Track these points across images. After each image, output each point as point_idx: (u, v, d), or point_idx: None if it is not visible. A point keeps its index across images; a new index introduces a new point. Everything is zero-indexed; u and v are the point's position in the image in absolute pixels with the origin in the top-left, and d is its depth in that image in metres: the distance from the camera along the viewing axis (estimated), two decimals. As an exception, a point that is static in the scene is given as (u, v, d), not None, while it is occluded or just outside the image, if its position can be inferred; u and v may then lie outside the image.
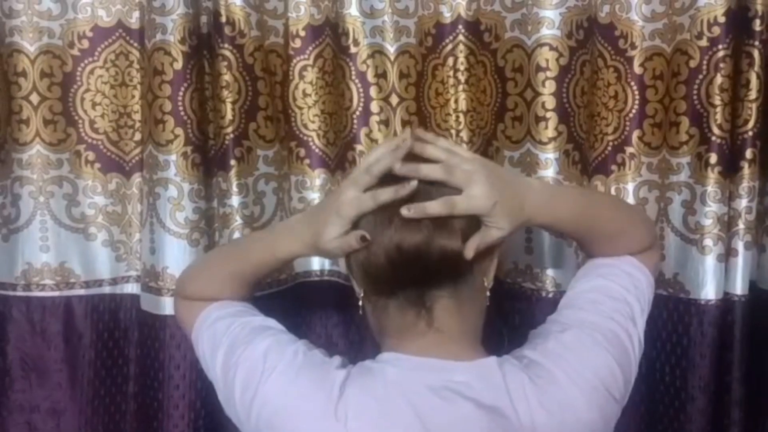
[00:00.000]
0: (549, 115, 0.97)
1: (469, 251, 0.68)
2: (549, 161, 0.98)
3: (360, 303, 0.76)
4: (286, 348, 0.74)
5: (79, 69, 1.07)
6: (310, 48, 1.05)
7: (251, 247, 0.85)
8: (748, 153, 0.94)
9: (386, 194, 0.69)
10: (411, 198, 0.68)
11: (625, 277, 0.79)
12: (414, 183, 0.68)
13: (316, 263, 1.10)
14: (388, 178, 0.70)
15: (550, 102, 0.97)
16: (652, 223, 0.90)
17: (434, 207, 0.67)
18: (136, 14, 1.06)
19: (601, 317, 0.75)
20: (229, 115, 0.99)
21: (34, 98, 1.07)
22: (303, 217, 0.81)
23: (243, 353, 0.75)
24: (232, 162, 1.00)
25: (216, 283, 0.84)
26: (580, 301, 0.79)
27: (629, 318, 0.76)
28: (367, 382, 0.69)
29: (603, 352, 0.72)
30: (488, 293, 0.75)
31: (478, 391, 0.68)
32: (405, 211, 0.67)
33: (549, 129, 0.97)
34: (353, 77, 1.03)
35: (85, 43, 1.07)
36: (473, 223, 0.69)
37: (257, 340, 0.76)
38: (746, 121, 0.93)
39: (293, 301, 1.09)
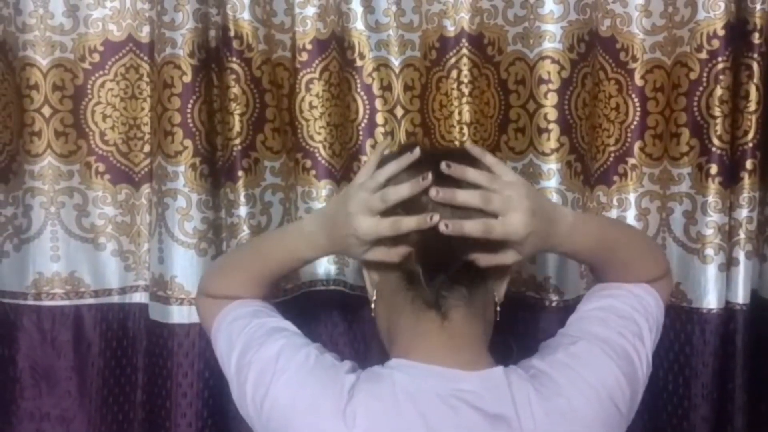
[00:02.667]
0: (551, 126, 0.98)
1: (482, 261, 0.70)
2: (551, 172, 1.00)
3: (372, 306, 0.77)
4: (298, 350, 0.75)
5: (90, 82, 1.09)
6: (317, 61, 1.07)
7: (272, 251, 0.85)
8: (749, 164, 0.95)
9: (408, 223, 0.68)
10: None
11: (633, 298, 0.80)
12: (436, 218, 0.67)
13: (323, 273, 1.12)
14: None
15: (552, 114, 0.98)
16: (664, 254, 0.91)
17: (471, 227, 0.67)
18: (146, 29, 1.08)
19: (610, 332, 0.76)
20: (236, 127, 1.01)
21: (46, 111, 1.09)
22: (318, 224, 0.79)
23: (256, 353, 0.76)
24: (240, 173, 1.01)
25: (237, 282, 0.86)
26: (589, 317, 0.80)
27: (637, 336, 0.77)
28: (376, 387, 0.71)
29: (611, 364, 0.73)
30: (498, 308, 0.76)
31: (484, 400, 0.69)
32: (442, 227, 0.66)
33: (551, 140, 0.99)
34: (359, 90, 1.05)
35: (96, 57, 1.09)
36: None
37: (271, 340, 0.77)
38: (746, 133, 0.95)
39: (299, 310, 1.09)
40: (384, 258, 0.73)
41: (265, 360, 0.75)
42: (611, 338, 0.76)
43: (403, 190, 0.69)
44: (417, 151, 0.72)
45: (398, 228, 0.69)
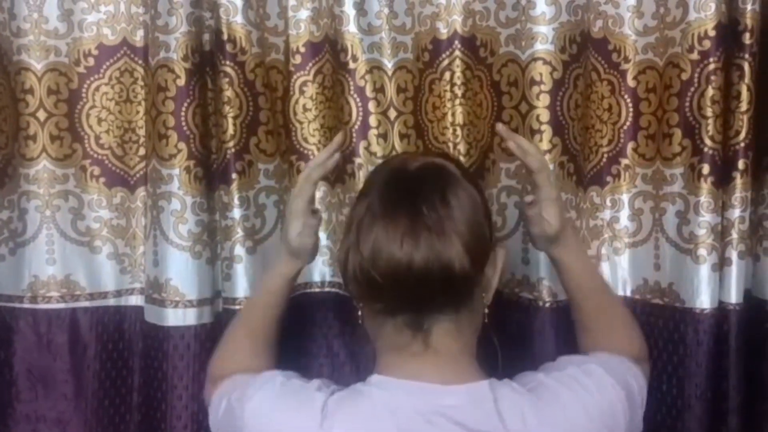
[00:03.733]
0: (543, 127, 0.99)
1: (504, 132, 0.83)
2: (544, 173, 1.00)
3: (360, 313, 0.77)
4: (266, 381, 0.77)
5: (85, 86, 1.10)
6: (310, 64, 1.07)
7: (251, 302, 0.93)
8: (740, 164, 0.95)
9: (316, 171, 0.83)
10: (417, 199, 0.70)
11: (622, 363, 0.79)
12: (337, 155, 0.83)
13: (317, 275, 1.12)
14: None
15: (544, 115, 0.98)
16: (644, 340, 0.90)
17: (523, 141, 0.83)
18: (141, 33, 1.08)
19: (612, 364, 0.77)
20: (230, 130, 1.01)
21: (41, 115, 1.09)
22: (279, 240, 0.89)
23: (232, 396, 0.78)
24: (234, 175, 1.02)
25: (236, 354, 0.88)
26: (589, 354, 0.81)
27: (630, 390, 0.76)
28: (356, 404, 0.70)
29: (616, 386, 0.73)
30: (486, 310, 0.75)
31: (467, 415, 0.68)
32: (500, 126, 0.83)
33: (544, 141, 0.99)
34: (352, 92, 1.06)
35: (91, 61, 1.09)
36: (478, 242, 0.70)
37: (247, 386, 0.78)
38: (738, 133, 0.95)
39: (295, 313, 1.09)
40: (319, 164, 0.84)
41: (236, 397, 0.77)
42: (613, 367, 0.76)
43: (322, 168, 0.84)
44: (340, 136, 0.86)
45: (310, 177, 0.83)
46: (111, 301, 1.13)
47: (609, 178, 1.03)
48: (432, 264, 0.67)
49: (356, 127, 1.06)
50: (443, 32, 1.03)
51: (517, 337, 1.03)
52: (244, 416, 0.73)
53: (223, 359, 0.90)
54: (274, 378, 0.77)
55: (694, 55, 0.94)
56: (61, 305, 1.11)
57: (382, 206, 0.70)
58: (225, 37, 1.00)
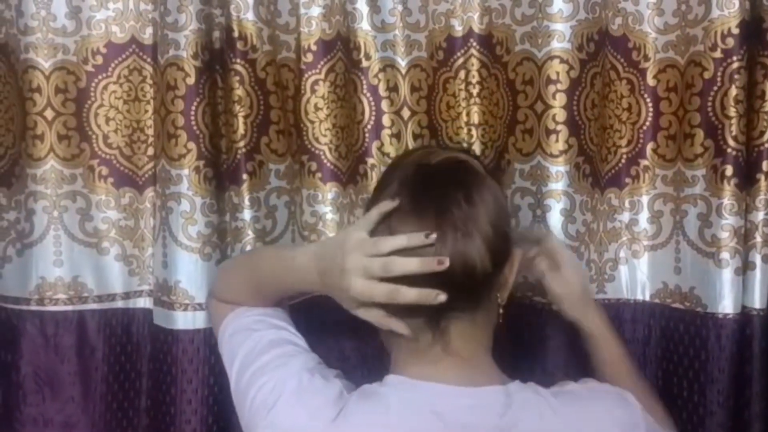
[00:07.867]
0: (559, 128, 0.96)
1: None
2: (560, 174, 0.98)
3: None
4: (288, 378, 0.75)
5: (93, 85, 1.08)
6: (322, 62, 1.05)
7: (266, 276, 0.83)
8: (765, 165, 0.93)
9: (407, 295, 0.66)
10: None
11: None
12: (442, 297, 0.66)
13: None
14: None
15: (560, 115, 0.96)
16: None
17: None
18: (150, 30, 1.07)
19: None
20: (241, 130, 0.99)
21: (49, 114, 1.07)
22: (310, 263, 0.75)
23: (251, 378, 0.76)
24: (244, 176, 1.00)
25: (240, 294, 0.86)
26: None
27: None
28: (371, 406, 0.69)
29: (644, 414, 0.74)
30: (501, 310, 0.74)
31: (479, 418, 0.68)
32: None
33: (560, 142, 0.97)
34: (365, 91, 1.04)
35: (99, 59, 1.08)
36: (500, 242, 0.70)
37: (264, 360, 0.77)
38: (762, 133, 0.92)
39: (305, 314, 1.08)
40: (379, 323, 0.71)
41: (261, 391, 0.75)
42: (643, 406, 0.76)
43: (411, 265, 0.66)
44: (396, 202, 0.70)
45: (394, 299, 0.67)
46: (119, 304, 1.11)
47: (628, 180, 1.01)
48: (455, 263, 0.66)
49: (369, 126, 1.04)
50: (458, 30, 1.01)
51: (529, 342, 1.01)
52: (268, 417, 0.72)
53: (228, 290, 0.88)
54: (298, 374, 0.75)
55: (717, 54, 0.92)
56: (69, 307, 1.09)
57: (410, 204, 0.70)
58: (235, 34, 0.98)
